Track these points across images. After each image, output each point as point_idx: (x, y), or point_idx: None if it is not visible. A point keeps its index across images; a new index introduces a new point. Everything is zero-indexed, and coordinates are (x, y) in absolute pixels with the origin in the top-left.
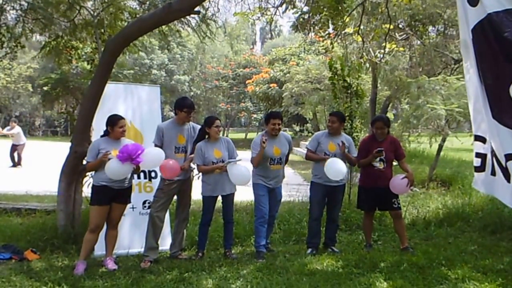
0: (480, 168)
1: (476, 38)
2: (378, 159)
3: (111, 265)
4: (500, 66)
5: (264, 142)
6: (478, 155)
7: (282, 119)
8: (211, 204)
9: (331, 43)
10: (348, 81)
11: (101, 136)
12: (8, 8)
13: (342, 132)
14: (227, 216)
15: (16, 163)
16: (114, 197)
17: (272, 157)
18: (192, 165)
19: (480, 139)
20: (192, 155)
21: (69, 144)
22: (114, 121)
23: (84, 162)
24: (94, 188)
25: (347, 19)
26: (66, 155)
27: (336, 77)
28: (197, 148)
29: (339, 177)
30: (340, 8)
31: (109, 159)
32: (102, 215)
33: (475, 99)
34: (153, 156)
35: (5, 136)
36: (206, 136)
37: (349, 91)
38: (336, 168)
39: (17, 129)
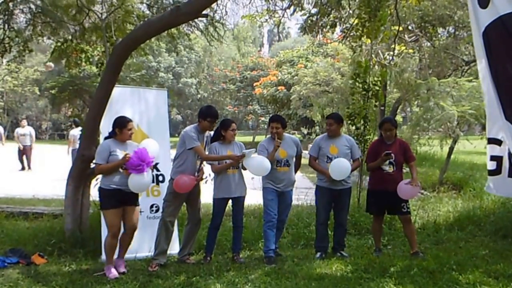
0: (496, 171)
1: (487, 40)
2: (387, 162)
3: (121, 268)
4: None
5: (278, 146)
6: (493, 158)
7: (283, 122)
8: (222, 207)
9: (360, 46)
10: (368, 81)
11: (106, 138)
12: (17, 12)
13: (342, 133)
14: (237, 221)
15: (23, 166)
16: (125, 200)
17: (278, 159)
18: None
19: (495, 141)
20: (203, 165)
21: None
22: (123, 123)
23: (92, 165)
24: (105, 192)
25: (355, 21)
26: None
27: (358, 78)
28: (211, 147)
29: (343, 176)
30: (376, 15)
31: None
32: (118, 217)
33: (489, 100)
34: (151, 145)
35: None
36: (221, 138)
37: (369, 93)
38: (339, 168)
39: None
